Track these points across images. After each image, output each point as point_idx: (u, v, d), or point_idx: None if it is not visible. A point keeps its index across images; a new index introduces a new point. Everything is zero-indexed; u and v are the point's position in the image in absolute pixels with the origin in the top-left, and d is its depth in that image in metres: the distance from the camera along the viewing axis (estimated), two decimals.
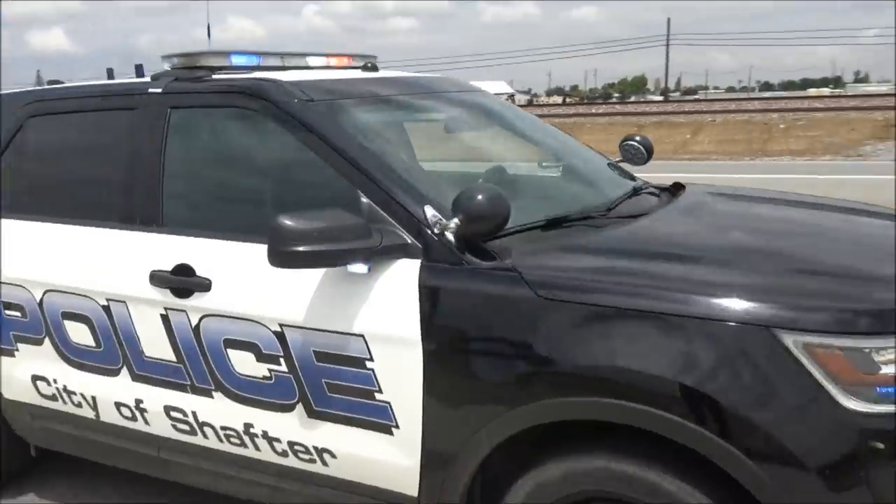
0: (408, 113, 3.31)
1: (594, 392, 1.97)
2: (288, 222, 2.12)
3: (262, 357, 2.45)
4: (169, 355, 2.65)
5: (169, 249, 2.64)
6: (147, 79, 3.02)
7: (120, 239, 2.77)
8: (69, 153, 3.11)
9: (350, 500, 2.46)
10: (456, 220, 2.15)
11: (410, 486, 2.31)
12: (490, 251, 2.20)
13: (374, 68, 3.31)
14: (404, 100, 3.15)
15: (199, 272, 2.53)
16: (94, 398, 2.87)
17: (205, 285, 2.51)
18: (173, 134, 2.77)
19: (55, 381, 2.96)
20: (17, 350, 3.03)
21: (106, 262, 2.76)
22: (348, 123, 2.58)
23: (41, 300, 2.89)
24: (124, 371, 2.76)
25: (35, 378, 3.01)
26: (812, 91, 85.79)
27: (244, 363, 2.50)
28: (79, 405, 2.91)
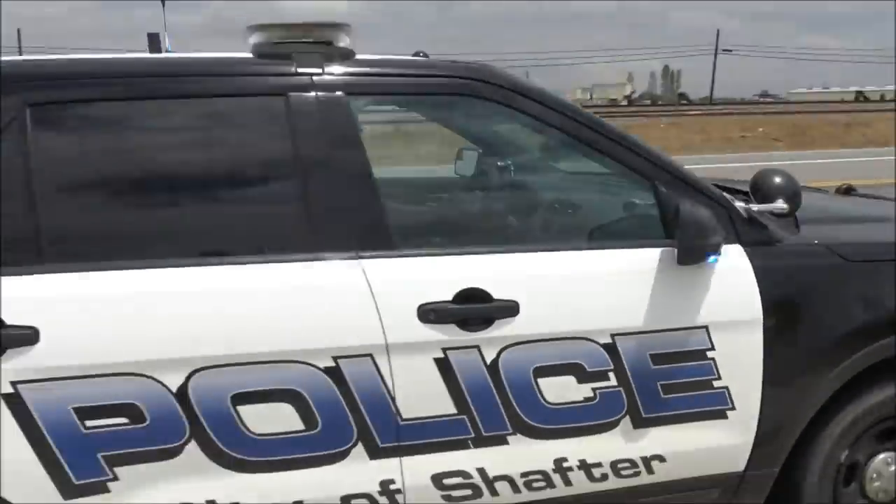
0: None
1: None
2: (706, 214, 2.01)
3: (585, 377, 2.15)
4: (442, 409, 2.06)
5: (438, 274, 2.05)
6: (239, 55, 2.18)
7: (335, 271, 2.01)
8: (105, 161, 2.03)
9: (667, 501, 2.35)
10: (766, 205, 2.31)
11: (739, 463, 2.36)
12: (794, 230, 2.41)
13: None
14: None
15: (496, 295, 2.06)
16: None
17: (510, 309, 2.06)
18: (348, 131, 2.11)
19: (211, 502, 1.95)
20: (118, 479, 1.89)
21: (309, 308, 1.98)
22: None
23: (184, 387, 1.89)
24: (357, 450, 2.03)
25: None
26: None
27: (560, 390, 2.14)
28: None
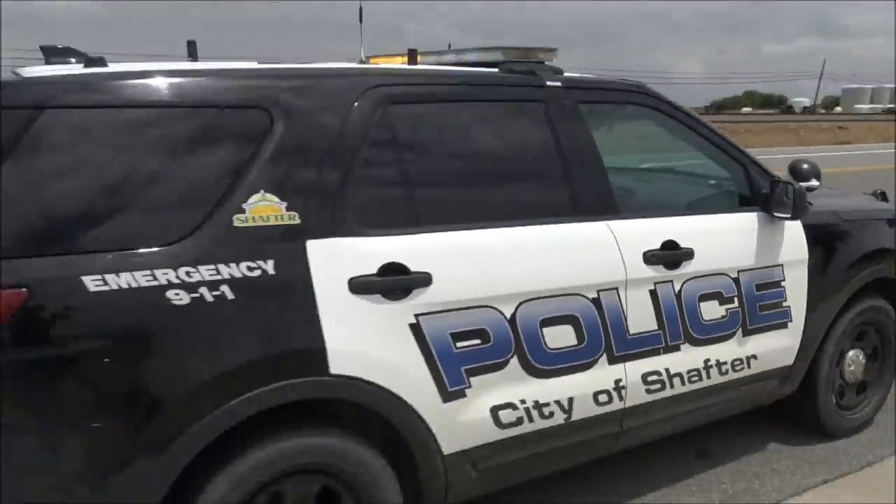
0: None
1: None
2: (797, 188, 3.11)
3: (723, 301, 3.16)
4: (650, 326, 2.94)
5: (649, 231, 2.92)
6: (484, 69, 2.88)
7: (589, 231, 2.80)
8: (447, 147, 2.66)
9: (752, 390, 3.40)
10: (805, 182, 3.48)
11: (791, 359, 3.49)
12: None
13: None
14: None
15: (682, 245, 2.98)
16: (570, 400, 2.77)
17: (689, 254, 3.00)
18: (585, 127, 2.92)
19: (522, 401, 2.66)
20: (470, 387, 2.53)
21: (584, 255, 2.76)
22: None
23: (514, 315, 2.58)
24: (602, 359, 2.83)
25: (495, 409, 2.60)
26: None
27: (709, 311, 3.12)
28: (549, 415, 2.73)
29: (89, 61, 2.20)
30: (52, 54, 2.30)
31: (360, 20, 3.75)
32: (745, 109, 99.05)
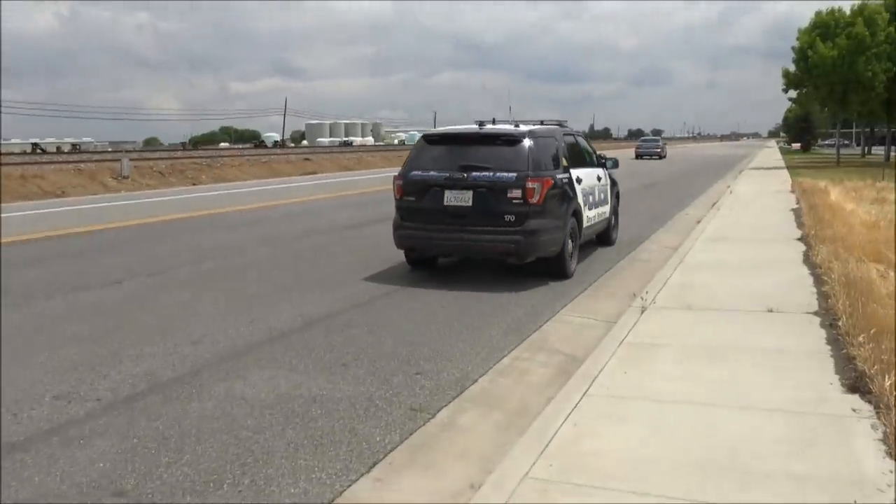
0: None
1: None
2: (613, 159, 10.95)
3: (598, 193, 10.76)
4: (598, 198, 10.36)
5: (600, 171, 10.35)
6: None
7: (597, 170, 10.09)
8: (572, 150, 9.61)
9: (602, 225, 11.03)
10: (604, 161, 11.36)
11: (608, 214, 11.23)
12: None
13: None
14: None
15: (602, 176, 10.48)
16: (597, 215, 10.01)
17: (599, 178, 10.55)
18: (579, 142, 10.21)
19: (589, 216, 9.84)
20: (587, 207, 9.61)
21: (595, 175, 10.09)
22: None
23: (592, 189, 9.80)
24: (605, 205, 10.14)
25: (587, 215, 9.76)
26: None
27: (596, 196, 10.66)
28: (595, 219, 9.95)
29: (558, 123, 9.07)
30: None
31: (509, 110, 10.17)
32: (223, 144, 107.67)
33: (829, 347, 5.37)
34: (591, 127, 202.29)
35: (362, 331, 6.48)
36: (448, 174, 8.40)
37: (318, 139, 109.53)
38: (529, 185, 7.98)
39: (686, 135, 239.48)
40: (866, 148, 60.60)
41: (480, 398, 4.90)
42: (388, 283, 8.62)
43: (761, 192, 20.39)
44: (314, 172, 40.07)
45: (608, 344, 5.66)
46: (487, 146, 8.65)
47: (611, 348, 5.53)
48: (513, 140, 8.51)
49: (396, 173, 9.11)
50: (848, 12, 39.22)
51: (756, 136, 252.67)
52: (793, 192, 19.48)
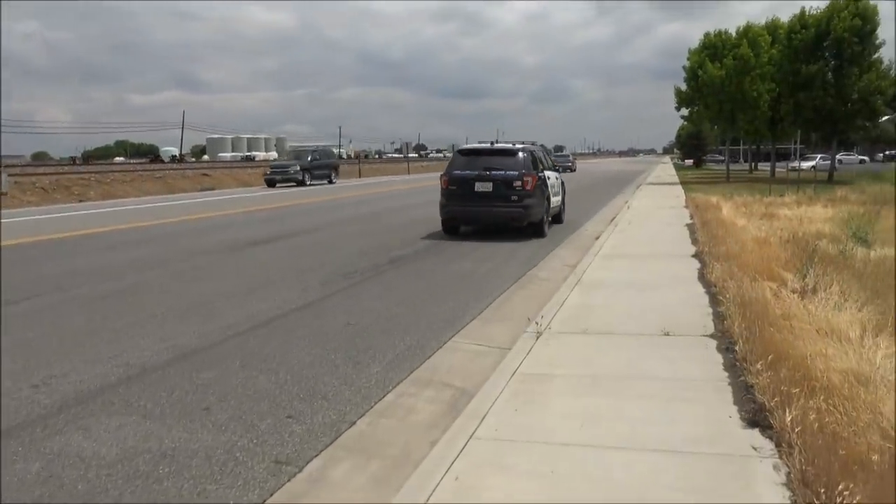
0: None
1: None
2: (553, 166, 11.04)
3: (555, 185, 10.98)
4: (554, 190, 10.18)
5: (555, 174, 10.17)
6: None
7: (553, 173, 9.98)
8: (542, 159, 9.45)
9: (559, 209, 10.78)
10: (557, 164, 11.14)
11: (560, 203, 11.45)
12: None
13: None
14: None
15: (553, 176, 10.34)
16: (557, 203, 9.78)
17: (558, 177, 10.45)
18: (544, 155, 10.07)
19: (555, 203, 9.55)
20: (552, 196, 9.42)
21: (556, 176, 10.07)
22: None
23: (552, 181, 10.01)
24: (557, 195, 10.05)
25: (553, 202, 9.50)
26: None
27: (554, 188, 10.56)
28: (556, 206, 9.98)
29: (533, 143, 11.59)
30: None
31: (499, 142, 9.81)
32: (119, 159, 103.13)
33: (726, 374, 5.10)
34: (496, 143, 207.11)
35: (234, 365, 5.83)
36: (477, 172, 13.23)
37: (220, 154, 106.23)
38: (526, 178, 12.53)
39: (587, 150, 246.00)
40: (753, 164, 63.38)
41: (358, 444, 4.36)
42: (272, 309, 7.96)
43: (658, 207, 20.65)
44: (212, 188, 38.61)
45: (499, 377, 5.21)
46: (497, 156, 13.22)
47: (502, 381, 5.09)
48: (512, 152, 13.14)
49: (442, 172, 14.08)
50: (734, 34, 40.92)
51: (652, 152, 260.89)
52: (687, 207, 19.84)
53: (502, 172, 12.83)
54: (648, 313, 6.99)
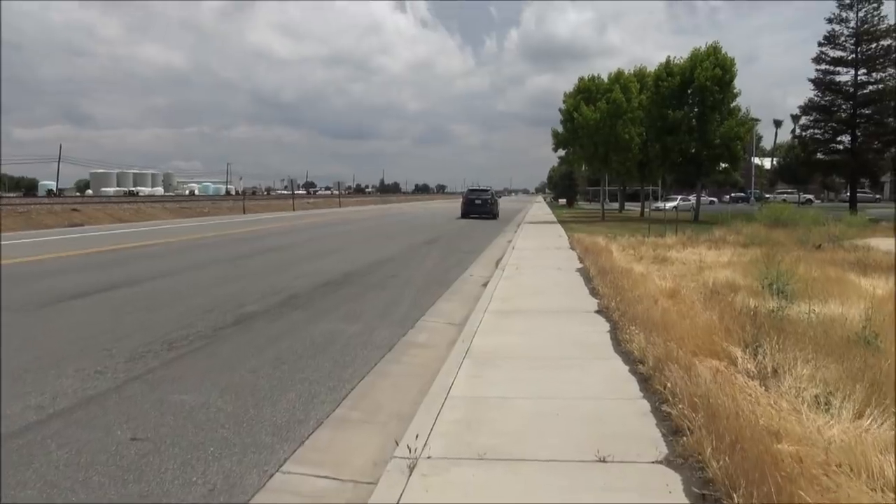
0: None
1: None
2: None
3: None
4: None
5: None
6: None
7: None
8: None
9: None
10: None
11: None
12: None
13: None
14: None
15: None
16: None
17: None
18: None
19: None
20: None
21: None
22: None
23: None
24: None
25: None
26: None
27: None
28: None
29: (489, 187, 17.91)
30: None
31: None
32: None
33: None
34: (382, 181, 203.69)
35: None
36: (475, 197, 38.09)
37: (103, 189, 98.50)
38: (493, 200, 37.94)
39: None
40: (623, 203, 63.99)
41: None
42: (25, 412, 5.08)
43: (544, 248, 18.73)
44: (80, 224, 34.03)
45: None
46: (481, 192, 38.78)
47: None
48: (487, 190, 39.09)
49: (462, 196, 41.16)
50: (606, 80, 40.63)
51: (525, 191, 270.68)
52: (573, 248, 18.01)
53: (486, 196, 37.37)
54: (567, 415, 4.66)
